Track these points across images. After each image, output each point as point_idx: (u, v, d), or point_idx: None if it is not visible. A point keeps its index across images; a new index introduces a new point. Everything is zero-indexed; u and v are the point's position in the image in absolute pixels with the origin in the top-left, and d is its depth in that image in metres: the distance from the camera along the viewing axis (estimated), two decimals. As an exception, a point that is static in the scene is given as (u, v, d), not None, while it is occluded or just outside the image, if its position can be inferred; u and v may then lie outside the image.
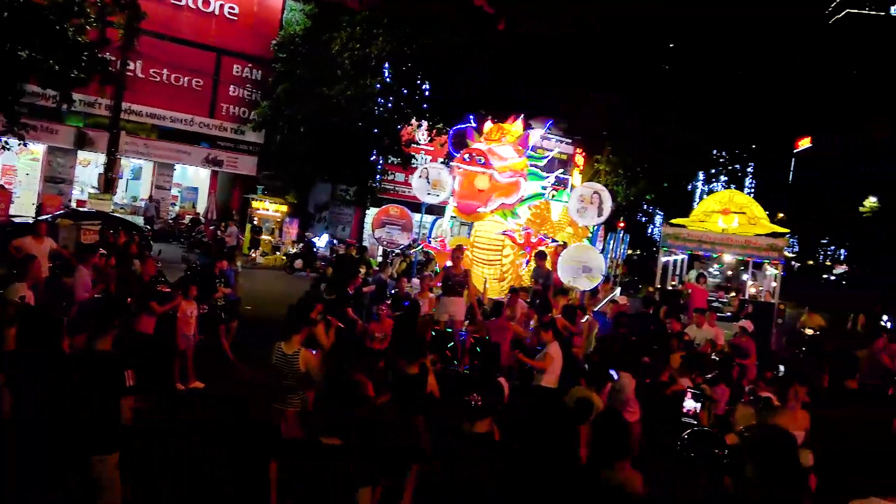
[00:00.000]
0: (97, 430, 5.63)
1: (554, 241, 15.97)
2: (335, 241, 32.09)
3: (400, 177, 37.36)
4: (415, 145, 36.12)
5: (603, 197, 14.74)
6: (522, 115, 16.09)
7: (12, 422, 5.74)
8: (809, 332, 17.89)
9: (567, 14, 34.70)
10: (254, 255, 29.35)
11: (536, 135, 15.87)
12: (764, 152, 56.09)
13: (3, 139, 22.92)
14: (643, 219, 54.37)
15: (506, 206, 15.50)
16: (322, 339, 9.47)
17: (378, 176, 35.39)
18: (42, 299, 10.15)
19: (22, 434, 5.71)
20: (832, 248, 75.83)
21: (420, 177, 15.75)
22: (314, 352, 8.42)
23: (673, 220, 19.97)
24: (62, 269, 12.27)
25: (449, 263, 13.70)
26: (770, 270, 20.46)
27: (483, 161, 15.08)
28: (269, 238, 31.56)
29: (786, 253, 17.76)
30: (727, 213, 18.95)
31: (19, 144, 24.62)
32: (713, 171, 50.78)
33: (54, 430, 5.57)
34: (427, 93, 33.07)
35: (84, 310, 11.29)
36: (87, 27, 22.94)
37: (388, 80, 31.90)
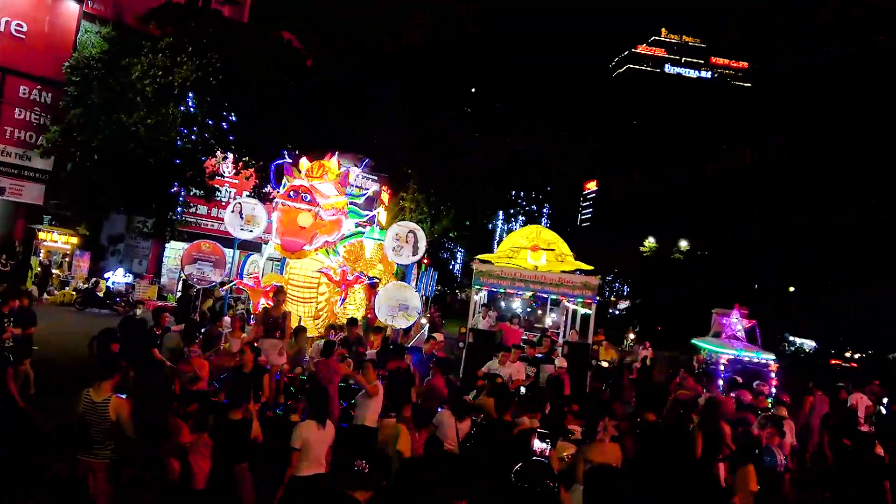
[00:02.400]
0: None
1: (371, 279, 16.03)
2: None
3: (203, 209, 36.15)
4: (219, 178, 35.08)
5: (418, 236, 15.03)
6: (337, 153, 16.08)
7: None
8: (605, 364, 19.00)
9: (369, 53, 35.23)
10: (36, 291, 27.18)
11: (355, 172, 15.94)
12: (556, 194, 59.50)
13: None
14: (446, 255, 55.69)
15: (328, 244, 15.43)
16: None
17: (179, 208, 33.92)
18: None
19: None
20: (616, 284, 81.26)
21: (233, 211, 15.34)
22: (124, 397, 7.95)
23: (481, 256, 20.28)
24: None
25: (264, 302, 13.39)
26: (571, 307, 21.45)
27: (309, 198, 14.96)
28: (58, 272, 29.39)
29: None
30: (536, 249, 19.33)
31: None
32: (511, 210, 53.17)
33: None
34: (233, 125, 32.21)
35: None
36: None
37: (191, 109, 30.81)
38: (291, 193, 15.07)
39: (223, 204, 36.67)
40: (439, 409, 10.19)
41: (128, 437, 7.56)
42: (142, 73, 29.17)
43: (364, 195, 16.18)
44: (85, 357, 15.39)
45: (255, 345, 12.92)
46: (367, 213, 16.32)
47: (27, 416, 11.31)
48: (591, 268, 19.16)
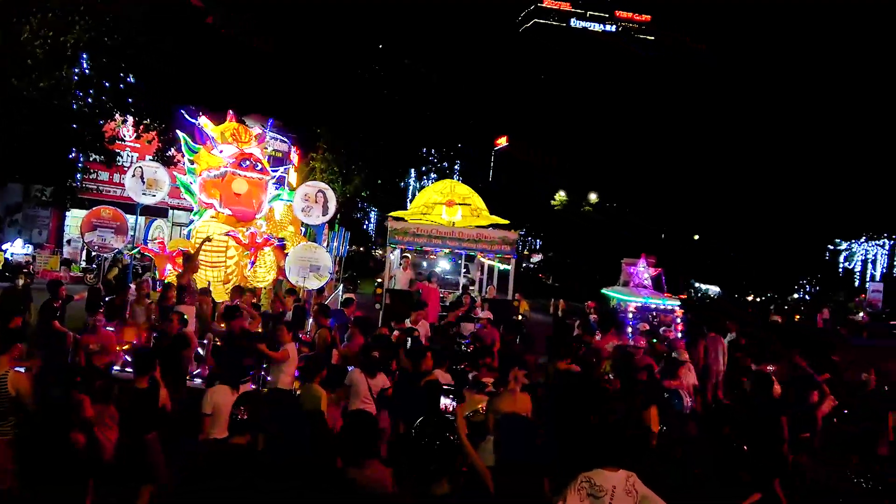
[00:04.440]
0: None
1: (280, 240, 15.75)
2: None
3: (104, 175, 34.86)
4: (119, 142, 33.78)
5: (328, 196, 14.81)
6: (233, 112, 15.65)
7: None
8: (519, 317, 19.25)
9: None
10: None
11: (266, 133, 15.59)
12: (468, 150, 59.51)
13: None
14: (359, 216, 55.32)
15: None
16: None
17: (78, 175, 32.57)
18: None
19: None
20: (528, 239, 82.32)
21: (133, 176, 14.79)
22: (22, 371, 7.65)
23: (394, 213, 20.05)
24: None
25: (170, 268, 13.03)
26: (487, 263, 21.56)
27: (260, 167, 14.77)
28: (-50, 245, 27.98)
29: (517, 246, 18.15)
30: (451, 204, 19.19)
31: None
32: (423, 168, 52.86)
33: None
34: (130, 86, 30.96)
35: None
36: None
37: (86, 71, 29.42)
38: (243, 162, 14.77)
39: (125, 169, 35.40)
40: (349, 369, 10.20)
41: (29, 412, 7.31)
42: (31, 34, 27.67)
43: (268, 157, 15.81)
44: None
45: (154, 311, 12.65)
46: (275, 170, 16.00)
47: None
48: (506, 222, 19.24)
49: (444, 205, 19.61)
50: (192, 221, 16.56)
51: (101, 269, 17.75)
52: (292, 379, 10.44)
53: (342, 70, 36.91)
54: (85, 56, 29.18)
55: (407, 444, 5.13)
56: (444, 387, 9.47)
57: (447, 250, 19.03)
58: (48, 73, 27.51)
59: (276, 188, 16.74)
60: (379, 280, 23.07)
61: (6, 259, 27.68)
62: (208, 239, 14.02)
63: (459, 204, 19.63)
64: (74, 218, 35.54)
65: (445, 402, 9.23)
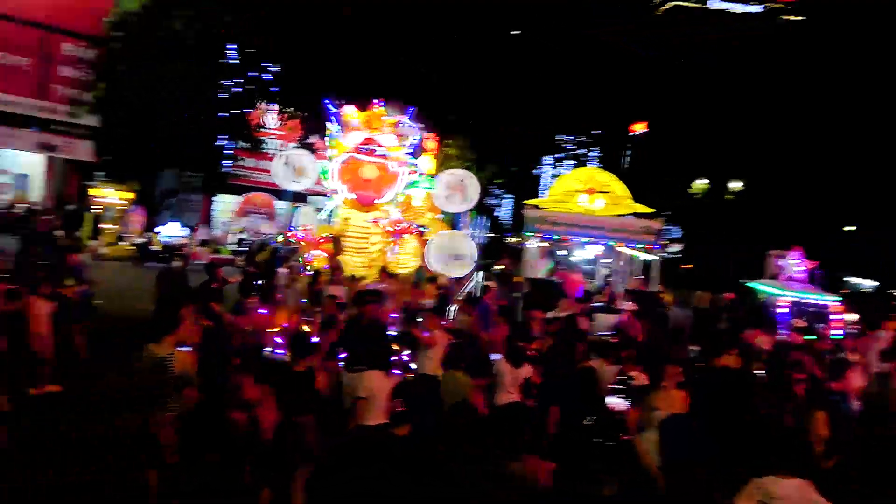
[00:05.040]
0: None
1: (420, 227, 15.85)
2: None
3: (250, 162, 36.27)
4: (264, 129, 35.11)
5: (468, 184, 14.76)
6: (382, 100, 15.79)
7: None
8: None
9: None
10: (97, 245, 27.62)
11: (405, 122, 15.69)
12: (604, 137, 58.10)
13: None
14: (492, 202, 55.25)
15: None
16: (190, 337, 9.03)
17: (227, 162, 34.04)
18: None
19: None
20: (667, 227, 79.95)
21: (282, 163, 15.21)
22: (187, 350, 7.96)
23: (529, 201, 19.66)
24: None
25: (318, 254, 13.34)
26: (627, 253, 20.96)
27: (380, 151, 14.93)
28: (113, 227, 29.81)
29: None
30: (591, 192, 18.68)
31: None
32: (559, 155, 52.07)
33: None
34: (277, 75, 32.08)
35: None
36: None
37: (233, 60, 30.65)
38: (362, 147, 15.00)
39: (270, 156, 36.78)
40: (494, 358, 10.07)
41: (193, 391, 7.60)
42: (184, 26, 29.13)
43: (414, 144, 15.86)
44: (146, 310, 15.72)
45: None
46: (414, 161, 16.05)
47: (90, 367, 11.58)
48: (650, 210, 18.54)
49: (585, 192, 19.14)
50: (323, 207, 16.94)
51: (251, 252, 18.50)
52: (437, 365, 10.44)
53: (477, 54, 36.74)
54: (233, 47, 30.44)
55: (570, 440, 4.97)
56: (615, 386, 9.19)
57: (586, 239, 18.54)
58: (199, 63, 28.91)
59: (416, 175, 16.82)
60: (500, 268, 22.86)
61: (162, 241, 29.26)
62: (346, 220, 14.28)
63: (600, 192, 19.12)
64: (223, 202, 37.23)
65: (612, 400, 8.95)
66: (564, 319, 11.94)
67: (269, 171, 36.77)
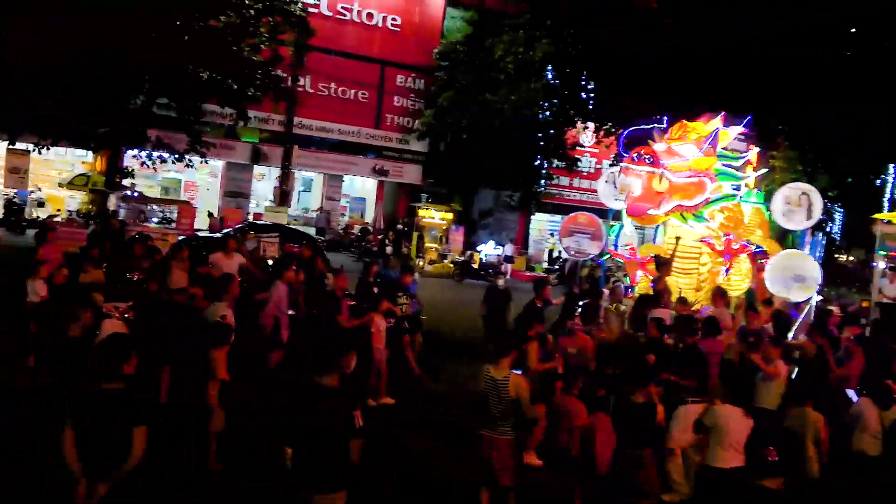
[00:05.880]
0: (328, 468, 5.33)
1: (758, 247, 14.65)
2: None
3: (564, 181, 36.59)
4: (579, 148, 35.23)
5: (812, 198, 13.38)
6: (723, 113, 14.80)
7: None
8: None
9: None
10: (421, 263, 29.36)
11: (733, 133, 14.56)
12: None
13: (188, 157, 23.93)
14: (823, 217, 50.26)
15: (685, 209, 14.29)
16: (532, 362, 8.95)
17: (542, 181, 34.59)
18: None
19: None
20: None
21: (607, 182, 14.92)
22: (520, 373, 7.86)
23: (880, 215, 17.52)
24: (252, 284, 12.28)
25: (642, 275, 12.82)
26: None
27: (651, 160, 14.07)
28: (436, 246, 31.52)
29: None
30: None
31: (201, 162, 25.79)
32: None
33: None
34: (592, 93, 32.05)
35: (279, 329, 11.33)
36: (261, 46, 23.57)
37: (551, 82, 31.10)
38: (635, 156, 14.29)
39: (584, 174, 36.88)
40: (855, 399, 8.84)
41: (528, 416, 7.48)
42: (504, 51, 30.14)
43: (743, 157, 14.67)
44: (470, 327, 16.22)
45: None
46: (743, 175, 14.83)
47: (420, 382, 12.06)
48: None
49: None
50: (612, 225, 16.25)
51: (564, 271, 18.38)
52: (777, 400, 9.44)
53: (807, 55, 33.66)
54: (550, 68, 30.87)
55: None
56: None
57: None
58: (518, 87, 29.71)
59: (735, 189, 15.52)
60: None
61: (481, 259, 30.34)
62: (678, 239, 13.54)
63: (968, 204, 16.60)
64: (538, 221, 37.92)
65: None
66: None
67: (582, 189, 37.41)
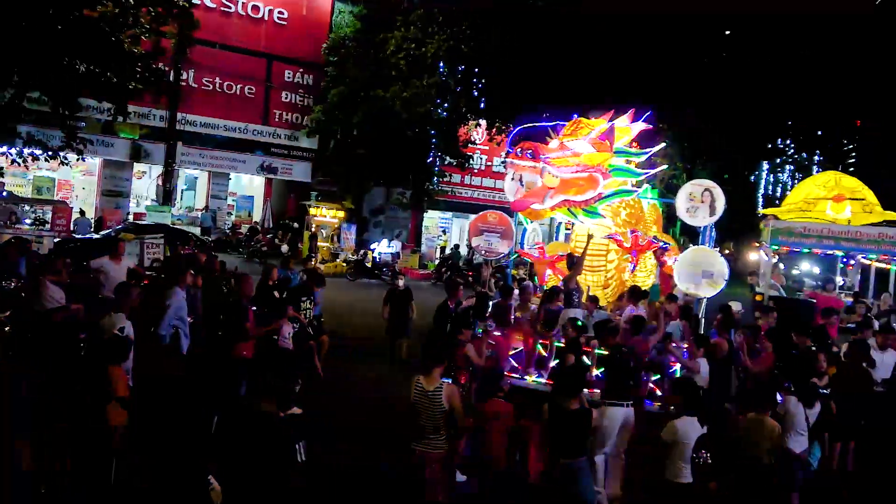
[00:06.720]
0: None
1: (664, 244, 14.78)
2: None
3: (456, 178, 36.55)
4: (471, 145, 35.24)
5: (715, 194, 13.51)
6: (631, 111, 14.78)
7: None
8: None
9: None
10: (314, 262, 28.60)
11: (635, 129, 14.58)
12: (830, 137, 52.65)
13: (62, 154, 22.45)
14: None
15: (572, 203, 14.15)
16: (476, 360, 8.76)
17: (435, 178, 34.39)
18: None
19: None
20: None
21: (512, 179, 14.72)
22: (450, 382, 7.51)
23: (768, 210, 18.06)
24: (146, 289, 11.41)
25: (550, 273, 12.69)
26: (873, 266, 18.85)
27: (532, 155, 13.95)
28: (328, 245, 30.85)
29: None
30: (840, 199, 16.99)
31: (77, 159, 24.30)
32: (777, 160, 48.31)
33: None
34: (483, 91, 31.97)
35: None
36: (142, 38, 22.37)
37: (443, 79, 30.89)
38: (518, 152, 14.20)
39: (476, 172, 36.99)
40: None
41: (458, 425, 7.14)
42: (395, 47, 29.71)
43: (646, 153, 14.72)
44: (372, 327, 15.86)
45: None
46: (642, 171, 14.89)
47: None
48: None
49: (831, 200, 17.34)
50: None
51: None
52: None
53: (685, 51, 34.49)
54: (442, 65, 30.66)
55: None
56: None
57: (839, 252, 16.65)
58: (410, 84, 29.36)
59: (636, 187, 15.58)
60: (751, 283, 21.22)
61: (374, 258, 29.87)
62: (590, 237, 13.49)
63: (849, 199, 17.25)
64: (430, 219, 37.76)
65: None
66: (854, 345, 10.52)
67: (474, 187, 37.45)
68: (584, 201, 14.10)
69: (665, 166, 16.13)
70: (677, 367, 10.88)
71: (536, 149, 13.89)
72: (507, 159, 14.77)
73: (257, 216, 35.09)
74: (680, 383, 8.06)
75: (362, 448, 9.20)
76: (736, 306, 14.03)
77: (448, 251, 33.89)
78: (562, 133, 14.55)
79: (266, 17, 32.75)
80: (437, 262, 33.53)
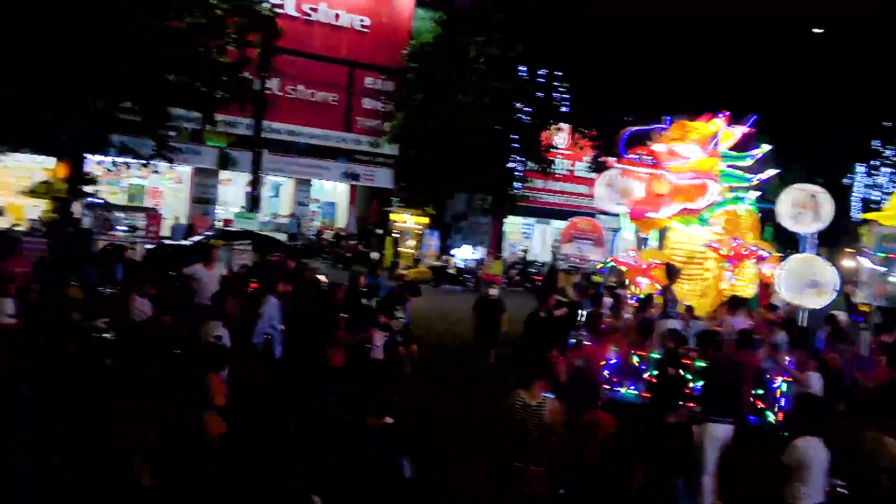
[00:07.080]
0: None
1: (765, 252, 14.18)
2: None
3: (538, 183, 36.14)
4: (553, 150, 34.83)
5: (821, 200, 12.94)
6: (726, 114, 14.24)
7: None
8: None
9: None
10: (400, 269, 28.62)
11: (737, 133, 14.04)
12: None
13: (152, 163, 23.04)
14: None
15: (688, 212, 13.78)
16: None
17: (516, 183, 34.07)
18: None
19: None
20: None
21: (606, 185, 14.38)
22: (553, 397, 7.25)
23: (869, 215, 17.13)
24: (239, 297, 11.45)
25: (645, 281, 12.30)
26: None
27: (652, 161, 13.53)
28: (411, 251, 30.85)
29: None
30: None
31: (168, 167, 24.92)
32: (873, 163, 46.25)
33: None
34: (567, 94, 31.59)
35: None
36: (228, 48, 22.80)
37: (525, 83, 30.61)
38: (635, 158, 13.77)
39: (558, 177, 36.53)
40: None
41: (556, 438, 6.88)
42: (476, 52, 29.59)
43: (751, 156, 14.15)
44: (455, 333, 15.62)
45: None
46: (751, 176, 14.35)
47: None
48: None
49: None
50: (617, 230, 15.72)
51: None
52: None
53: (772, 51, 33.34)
54: (524, 69, 30.42)
55: None
56: None
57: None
58: (490, 88, 29.22)
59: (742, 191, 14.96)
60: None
61: (457, 264, 29.73)
62: (686, 244, 13.05)
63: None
64: (512, 224, 37.48)
65: None
66: None
67: (556, 192, 36.99)
68: (698, 209, 13.72)
69: (779, 170, 15.33)
70: (779, 380, 10.39)
71: (656, 155, 13.54)
72: (618, 165, 14.35)
73: (339, 222, 35.34)
74: (805, 400, 7.55)
75: (460, 463, 8.91)
76: (841, 317, 13.33)
77: (526, 257, 33.64)
78: (667, 136, 14.16)
79: (348, 25, 32.96)
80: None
